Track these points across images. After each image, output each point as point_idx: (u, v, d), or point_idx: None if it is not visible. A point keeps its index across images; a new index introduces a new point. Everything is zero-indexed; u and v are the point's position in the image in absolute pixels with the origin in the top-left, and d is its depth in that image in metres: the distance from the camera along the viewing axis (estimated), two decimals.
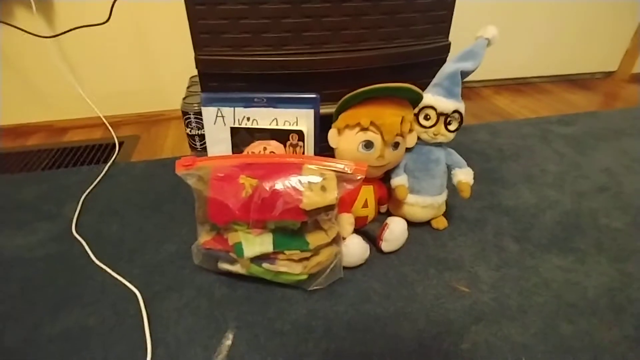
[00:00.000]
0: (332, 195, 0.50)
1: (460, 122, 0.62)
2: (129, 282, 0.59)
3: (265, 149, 0.61)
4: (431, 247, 0.67)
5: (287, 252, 0.53)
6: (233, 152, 0.63)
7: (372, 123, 0.55)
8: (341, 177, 0.51)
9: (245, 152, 0.62)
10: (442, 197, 0.67)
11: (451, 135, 0.63)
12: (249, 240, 0.52)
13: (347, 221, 0.60)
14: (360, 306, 0.56)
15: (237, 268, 0.56)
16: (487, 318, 0.55)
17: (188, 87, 0.99)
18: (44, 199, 0.80)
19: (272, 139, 0.61)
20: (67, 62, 1.05)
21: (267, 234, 0.53)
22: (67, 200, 0.79)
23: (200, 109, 0.92)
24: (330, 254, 0.56)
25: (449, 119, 0.61)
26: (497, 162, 0.92)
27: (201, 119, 0.92)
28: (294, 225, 0.53)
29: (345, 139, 0.58)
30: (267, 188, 0.50)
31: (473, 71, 0.60)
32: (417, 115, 0.61)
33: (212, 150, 0.64)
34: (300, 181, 0.50)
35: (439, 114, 0.60)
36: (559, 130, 1.07)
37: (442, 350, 0.50)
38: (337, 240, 0.56)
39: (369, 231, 0.68)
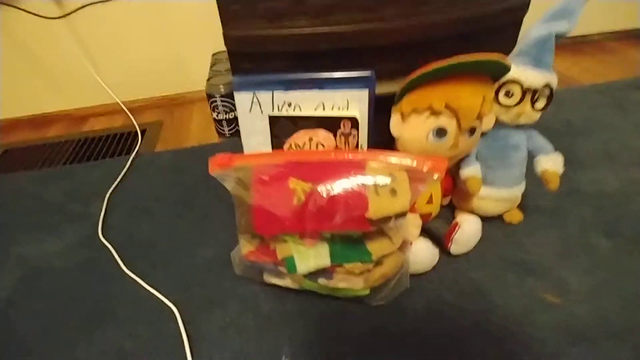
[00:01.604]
0: (403, 201, 0.41)
1: (550, 99, 0.50)
2: (165, 296, 0.53)
3: (311, 140, 0.51)
4: (505, 247, 0.57)
5: (346, 265, 0.45)
6: (273, 145, 0.54)
7: (446, 106, 0.44)
8: (414, 176, 0.41)
9: (287, 145, 0.53)
10: (520, 189, 0.57)
11: (537, 116, 0.51)
12: (301, 253, 0.44)
13: (412, 223, 0.51)
14: (431, 322, 0.48)
15: (286, 282, 0.48)
16: (587, 337, 0.45)
17: (212, 66, 0.90)
18: (70, 197, 0.74)
19: (320, 128, 0.51)
20: (80, 44, 0.96)
21: (322, 245, 0.45)
22: (92, 197, 0.72)
23: (227, 91, 0.83)
24: (395, 264, 0.47)
25: (537, 95, 0.49)
26: (567, 138, 0.80)
27: (228, 102, 0.83)
28: (355, 234, 0.44)
29: (412, 127, 0.48)
30: (324, 194, 0.41)
31: (567, 34, 0.48)
32: (496, 93, 0.50)
33: (247, 143, 0.55)
34: (364, 183, 0.41)
35: (525, 90, 0.49)
36: (636, 97, 0.93)
37: None
38: (403, 247, 0.47)
39: (432, 229, 0.58)
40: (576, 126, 0.84)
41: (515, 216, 0.60)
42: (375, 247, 0.45)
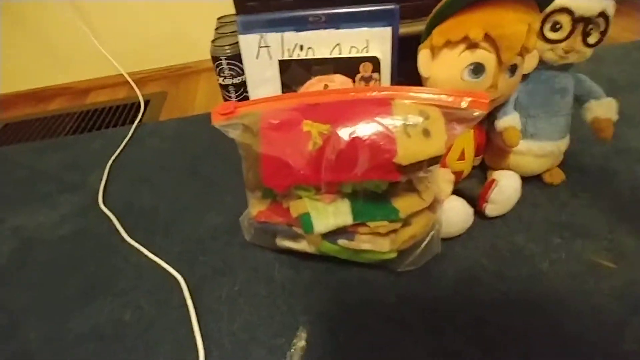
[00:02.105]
0: (438, 143, 0.34)
1: (604, 32, 0.43)
2: (169, 264, 0.48)
3: (326, 87, 0.45)
4: (548, 208, 0.50)
5: (370, 223, 0.39)
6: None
7: (486, 36, 0.38)
8: (451, 114, 0.35)
9: None
10: (565, 143, 0.50)
11: (588, 53, 0.44)
12: (319, 210, 0.38)
13: (444, 178, 0.45)
14: (465, 290, 0.42)
15: (302, 246, 0.42)
16: None
17: (216, 29, 0.84)
18: (68, 168, 0.70)
19: (336, 73, 0.45)
20: (82, 15, 0.91)
21: (342, 201, 0.39)
22: (92, 167, 0.68)
23: (233, 53, 0.77)
24: (425, 224, 0.41)
25: (589, 26, 0.42)
26: (611, 95, 0.72)
27: (235, 65, 0.77)
28: (379, 188, 0.38)
29: (443, 63, 0.41)
30: (344, 136, 0.35)
31: None
32: (540, 27, 0.43)
33: (255, 94, 0.50)
34: (391, 124, 0.34)
35: (576, 20, 0.42)
36: None
37: (596, 353, 0.36)
38: (434, 206, 0.41)
39: (463, 189, 0.52)
40: (620, 82, 0.76)
41: (557, 176, 0.53)
42: (403, 204, 0.39)
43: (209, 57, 0.78)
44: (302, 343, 0.37)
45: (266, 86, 0.48)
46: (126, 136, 0.74)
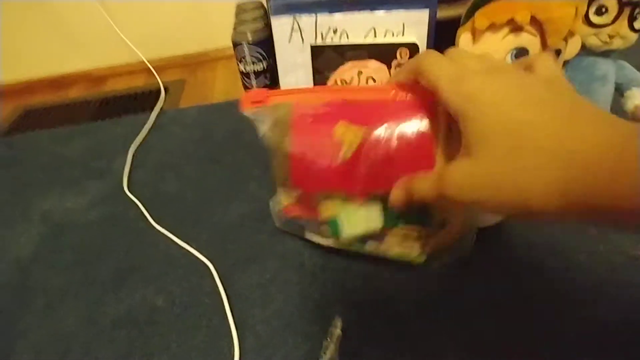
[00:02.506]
0: None
1: None
2: (198, 251, 0.48)
3: (360, 73, 0.44)
4: None
5: (402, 227, 0.37)
6: (315, 81, 0.47)
7: (532, 19, 0.36)
8: None
9: (331, 80, 0.46)
10: None
11: (633, 38, 0.43)
12: (349, 213, 0.36)
13: None
14: (501, 281, 0.42)
15: (330, 242, 0.41)
16: None
17: (236, 15, 0.82)
18: (91, 154, 0.70)
19: (371, 59, 0.44)
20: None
21: (374, 203, 0.36)
22: (116, 154, 0.68)
23: (255, 39, 0.76)
24: (458, 227, 0.38)
25: (637, 10, 0.41)
26: None
27: (257, 50, 0.76)
28: None
29: (485, 48, 0.40)
30: (381, 142, 0.32)
31: None
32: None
33: (285, 81, 0.49)
34: (434, 130, 0.31)
35: (623, 4, 0.40)
36: None
37: (635, 345, 0.35)
38: (470, 211, 0.39)
39: None
40: None
41: None
42: (438, 208, 0.38)
43: (227, 44, 0.77)
44: (338, 332, 0.37)
45: (297, 72, 0.47)
46: (148, 123, 0.74)
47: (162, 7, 0.94)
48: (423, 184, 0.28)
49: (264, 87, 0.80)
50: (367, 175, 0.34)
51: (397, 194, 0.31)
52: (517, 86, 0.23)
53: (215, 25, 0.97)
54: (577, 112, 0.21)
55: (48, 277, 0.49)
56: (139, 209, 0.55)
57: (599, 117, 0.21)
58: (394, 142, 0.32)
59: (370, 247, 0.39)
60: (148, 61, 0.97)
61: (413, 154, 0.32)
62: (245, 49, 0.76)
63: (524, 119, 0.21)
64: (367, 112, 0.34)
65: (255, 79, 0.79)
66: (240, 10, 0.85)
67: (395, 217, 0.36)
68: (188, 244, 0.49)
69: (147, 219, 0.54)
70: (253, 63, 0.77)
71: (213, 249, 0.48)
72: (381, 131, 0.33)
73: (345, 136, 0.33)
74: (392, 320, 0.39)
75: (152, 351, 0.39)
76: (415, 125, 0.32)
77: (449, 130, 0.31)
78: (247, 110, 0.37)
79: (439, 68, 0.26)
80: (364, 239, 0.38)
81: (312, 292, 0.42)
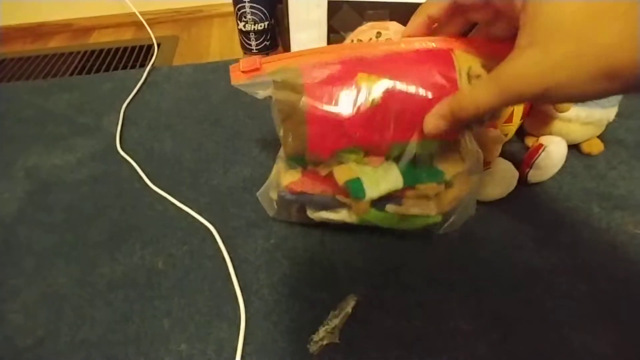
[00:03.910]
0: None
1: None
2: (198, 213, 0.46)
3: (379, 35, 0.42)
4: (586, 179, 0.50)
5: (419, 186, 0.37)
6: (329, 42, 0.45)
7: None
8: None
9: (348, 41, 0.43)
10: (614, 111, 0.48)
11: None
12: (368, 175, 0.35)
13: (494, 139, 0.43)
14: (508, 253, 0.42)
15: (341, 216, 0.39)
16: None
17: None
18: (78, 109, 0.65)
19: (392, 19, 0.42)
20: None
21: (390, 164, 0.36)
22: (105, 111, 0.64)
23: None
24: (466, 186, 0.39)
25: None
26: None
27: (259, 9, 0.71)
28: (429, 150, 0.36)
29: None
30: (406, 91, 0.32)
31: None
32: None
33: (297, 39, 0.46)
34: (453, 76, 0.31)
35: None
36: None
37: (637, 319, 0.36)
38: (475, 166, 0.39)
39: (503, 155, 0.50)
40: None
41: (596, 146, 0.52)
42: (447, 166, 0.37)
43: (223, 1, 0.73)
44: (348, 310, 0.36)
45: (311, 30, 0.44)
46: (139, 79, 0.70)
47: None
48: (477, 93, 0.28)
49: (263, 48, 0.76)
50: (392, 124, 0.33)
51: (433, 122, 0.31)
52: None
53: None
54: None
55: (36, 237, 0.46)
56: (133, 168, 0.52)
57: None
58: (415, 89, 0.32)
59: (390, 209, 0.38)
60: (139, 14, 0.90)
61: (435, 98, 0.31)
62: (247, 6, 0.71)
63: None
64: (383, 65, 0.33)
65: (256, 39, 0.76)
66: None
67: (411, 176, 0.36)
68: (187, 206, 0.47)
69: (142, 179, 0.51)
70: (254, 22, 0.73)
71: (214, 212, 0.47)
72: (405, 81, 0.32)
73: (368, 82, 0.32)
74: (401, 288, 0.39)
75: (153, 314, 0.38)
76: (434, 72, 0.32)
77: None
78: (239, 82, 0.34)
79: None
80: (383, 201, 0.37)
81: (319, 259, 0.42)
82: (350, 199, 0.37)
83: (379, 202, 0.38)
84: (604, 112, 0.48)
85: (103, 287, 0.40)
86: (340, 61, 0.33)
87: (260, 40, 0.75)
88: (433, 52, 0.33)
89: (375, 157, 0.36)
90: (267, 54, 0.76)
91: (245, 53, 0.78)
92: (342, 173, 0.36)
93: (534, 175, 0.46)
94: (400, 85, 0.32)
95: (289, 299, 0.38)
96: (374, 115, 0.33)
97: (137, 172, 0.52)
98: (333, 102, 0.33)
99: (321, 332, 0.34)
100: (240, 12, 0.73)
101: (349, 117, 0.33)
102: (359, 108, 0.32)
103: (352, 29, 0.43)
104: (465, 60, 0.33)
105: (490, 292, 0.38)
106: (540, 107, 0.49)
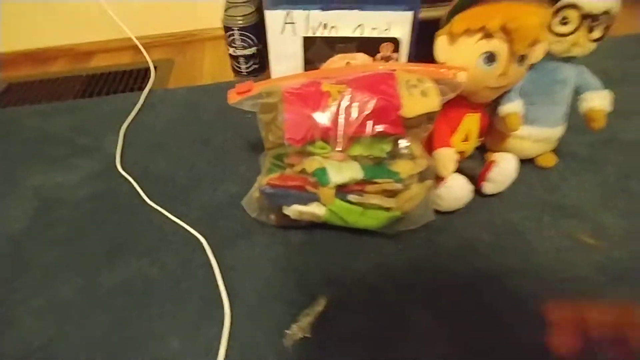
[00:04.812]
0: (434, 101, 0.42)
1: (607, 28, 0.46)
2: (191, 226, 0.51)
3: (348, 64, 0.48)
4: (540, 190, 0.55)
5: (379, 180, 0.43)
6: (305, 71, 0.51)
7: (502, 27, 0.41)
8: (440, 82, 0.43)
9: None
10: (562, 130, 0.54)
11: (591, 47, 0.48)
12: (333, 165, 0.43)
13: (448, 157, 0.48)
14: (465, 258, 0.47)
15: (312, 208, 0.45)
16: (625, 278, 0.45)
17: None
18: (79, 131, 0.71)
19: (358, 51, 0.48)
20: None
21: (352, 161, 0.44)
22: (105, 132, 0.69)
23: (246, 23, 0.77)
24: (421, 190, 0.45)
25: (595, 23, 0.45)
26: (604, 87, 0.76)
27: (247, 36, 0.77)
28: (383, 151, 0.44)
29: (460, 50, 0.44)
30: (359, 95, 0.42)
31: None
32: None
33: (277, 69, 0.52)
34: (396, 86, 0.41)
35: (583, 17, 0.45)
36: None
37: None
38: (428, 172, 0.45)
39: (464, 169, 0.56)
40: (613, 75, 0.79)
41: (550, 160, 0.57)
42: (402, 168, 0.44)
43: (215, 25, 0.78)
44: (318, 309, 0.41)
45: (289, 61, 0.50)
46: (137, 102, 0.75)
47: None
48: None
49: (252, 71, 0.82)
50: (351, 120, 0.42)
51: None
52: None
53: (204, 4, 0.97)
54: None
55: (42, 251, 0.51)
56: (131, 185, 0.58)
57: None
58: (368, 94, 0.42)
59: (353, 198, 0.44)
60: (135, 38, 0.96)
61: (383, 102, 0.41)
62: (236, 33, 0.77)
63: None
64: (345, 78, 0.43)
65: (245, 63, 0.82)
66: None
67: (370, 172, 0.44)
68: (181, 219, 0.52)
69: (139, 196, 0.56)
70: (244, 47, 0.79)
71: (204, 225, 0.52)
72: (358, 88, 0.42)
73: (331, 90, 0.43)
74: (368, 290, 0.44)
75: (148, 318, 0.43)
76: (382, 84, 0.42)
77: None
78: (234, 101, 0.43)
79: None
80: (346, 192, 0.44)
81: (297, 264, 0.47)
82: (319, 188, 0.43)
83: (343, 194, 0.44)
84: (553, 130, 0.53)
85: (103, 294, 0.45)
86: (312, 77, 0.44)
87: (250, 63, 0.81)
88: (381, 72, 0.43)
89: (339, 153, 0.44)
90: (257, 76, 0.82)
91: (235, 75, 0.84)
92: (312, 164, 0.44)
93: (488, 188, 0.52)
94: (357, 91, 0.42)
95: (270, 301, 0.43)
96: (337, 113, 0.42)
97: (135, 189, 0.57)
98: (303, 104, 0.43)
99: (294, 327, 0.39)
100: (230, 38, 0.79)
101: (316, 113, 0.42)
102: (324, 107, 0.42)
103: (325, 59, 0.49)
104: (404, 77, 0.42)
105: (448, 293, 0.44)
106: (499, 126, 0.54)
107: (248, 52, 0.79)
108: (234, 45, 0.79)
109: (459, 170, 0.56)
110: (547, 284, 0.44)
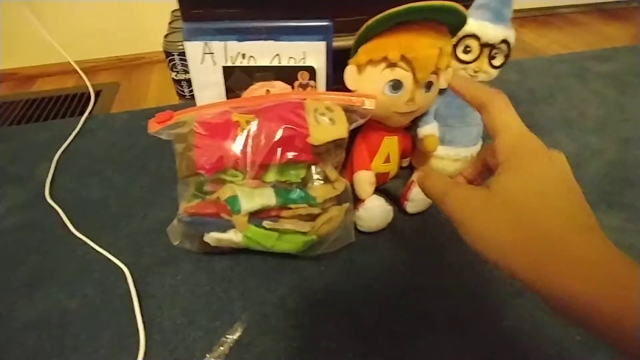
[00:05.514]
0: (342, 128, 0.43)
1: (507, 56, 0.50)
2: (115, 255, 0.51)
3: (268, 92, 0.49)
4: None
5: (292, 206, 0.44)
6: (228, 98, 0.52)
7: (402, 57, 0.43)
8: (349, 109, 0.44)
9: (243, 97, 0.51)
10: (477, 149, 0.57)
11: (494, 73, 0.51)
12: (245, 192, 0.44)
13: (366, 180, 0.50)
14: (385, 279, 0.48)
15: (229, 235, 0.46)
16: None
17: (170, 23, 0.85)
18: (12, 159, 0.69)
19: (277, 79, 0.49)
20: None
21: (266, 188, 0.44)
22: (39, 159, 0.68)
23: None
24: (339, 213, 0.47)
25: (494, 51, 0.49)
26: (529, 105, 0.81)
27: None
28: (298, 177, 0.45)
29: (367, 79, 0.46)
30: (267, 124, 0.43)
31: None
32: (454, 49, 0.49)
33: (200, 97, 0.53)
34: (304, 115, 0.43)
35: (483, 45, 0.48)
36: (597, 68, 0.95)
37: (482, 328, 0.43)
38: (346, 195, 0.47)
39: (390, 189, 0.58)
40: (539, 94, 0.85)
41: None
42: (319, 192, 0.45)
43: (162, 48, 0.79)
44: (236, 335, 0.42)
45: (211, 89, 0.51)
46: (75, 128, 0.75)
47: (93, 8, 0.93)
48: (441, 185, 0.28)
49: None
50: (260, 148, 0.43)
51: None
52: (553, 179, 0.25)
53: (152, 27, 0.98)
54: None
55: None
56: (59, 215, 0.57)
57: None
58: (277, 124, 0.43)
59: (267, 225, 0.45)
60: (80, 62, 0.96)
61: (291, 130, 0.42)
62: (177, 58, 0.78)
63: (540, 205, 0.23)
64: (255, 109, 0.44)
65: (188, 87, 0.82)
66: (174, 17, 0.87)
67: (285, 198, 0.45)
68: (105, 249, 0.52)
69: (66, 226, 0.55)
70: (185, 72, 0.80)
71: (129, 253, 0.51)
72: (267, 117, 0.43)
73: (240, 120, 0.43)
74: (285, 313, 0.45)
75: (61, 351, 0.42)
76: (291, 113, 0.43)
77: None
78: (154, 130, 0.45)
79: (510, 115, 0.27)
80: (261, 219, 0.45)
81: (218, 292, 0.47)
82: (232, 216, 0.44)
83: (258, 219, 0.45)
84: (469, 150, 0.56)
85: (18, 329, 0.44)
86: (226, 108, 0.45)
87: (191, 87, 0.82)
88: (291, 101, 0.45)
89: (252, 180, 0.44)
90: None
91: (180, 99, 0.85)
92: (224, 192, 0.44)
93: (410, 207, 0.54)
94: (265, 120, 0.43)
95: (186, 329, 0.43)
96: (246, 142, 0.43)
97: (62, 219, 0.56)
98: (213, 134, 0.43)
99: (208, 357, 0.39)
100: (171, 63, 0.80)
101: (226, 142, 0.43)
102: (233, 136, 0.43)
103: (245, 87, 0.50)
104: (313, 105, 0.44)
105: (363, 313, 0.45)
106: (419, 147, 0.57)
107: (189, 75, 0.80)
108: (176, 69, 0.80)
109: (386, 191, 0.58)
110: (456, 300, 0.46)
